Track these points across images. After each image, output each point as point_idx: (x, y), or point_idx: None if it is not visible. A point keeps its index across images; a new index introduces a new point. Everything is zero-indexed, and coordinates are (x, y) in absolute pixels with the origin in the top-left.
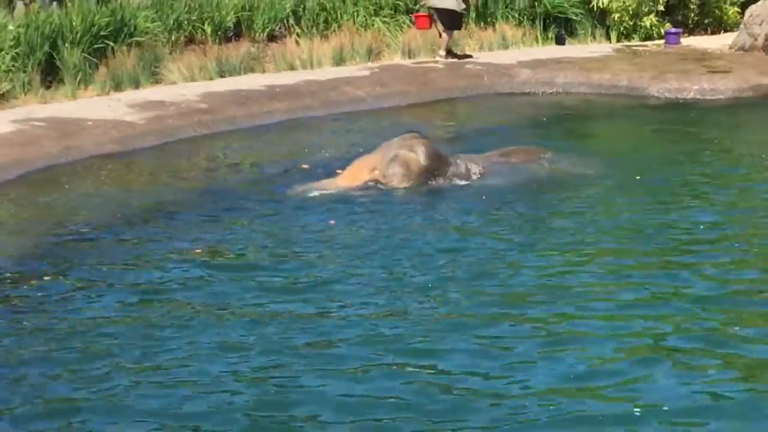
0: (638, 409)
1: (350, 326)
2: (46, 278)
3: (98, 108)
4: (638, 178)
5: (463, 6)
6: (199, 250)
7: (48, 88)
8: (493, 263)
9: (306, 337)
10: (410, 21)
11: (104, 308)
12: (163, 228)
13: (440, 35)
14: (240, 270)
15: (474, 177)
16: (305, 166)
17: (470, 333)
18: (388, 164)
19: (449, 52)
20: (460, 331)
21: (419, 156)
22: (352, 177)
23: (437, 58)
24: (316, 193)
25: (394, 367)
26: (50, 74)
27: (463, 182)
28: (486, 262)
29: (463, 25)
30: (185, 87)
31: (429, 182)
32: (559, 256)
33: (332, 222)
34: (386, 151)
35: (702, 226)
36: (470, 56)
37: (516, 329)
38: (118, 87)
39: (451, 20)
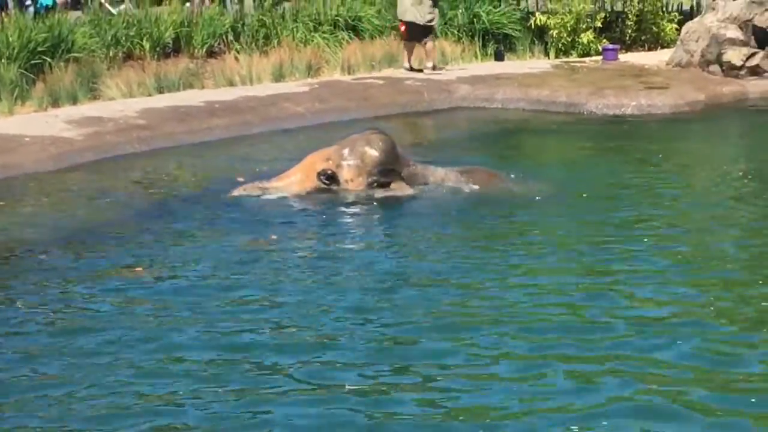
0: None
1: (282, 350)
2: None
3: (36, 124)
4: (579, 195)
5: (428, 18)
6: (139, 268)
7: None
8: (435, 285)
9: (239, 360)
10: (349, 37)
11: (37, 328)
12: (102, 245)
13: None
14: (181, 290)
15: (428, 185)
16: (241, 179)
17: (400, 355)
18: (342, 154)
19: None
20: (389, 354)
21: (375, 150)
22: (307, 167)
23: (425, 71)
24: (269, 196)
25: (330, 391)
26: None
27: (416, 189)
28: (428, 284)
29: (430, 36)
30: (124, 103)
31: (381, 179)
32: (497, 276)
33: (274, 237)
34: (344, 143)
35: (642, 243)
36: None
37: (451, 351)
38: (55, 103)
39: (417, 32)
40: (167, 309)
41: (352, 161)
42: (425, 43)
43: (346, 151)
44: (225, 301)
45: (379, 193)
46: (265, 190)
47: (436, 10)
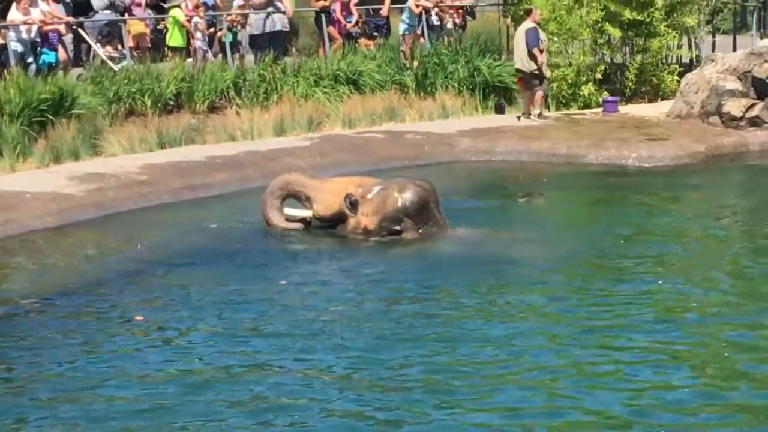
0: None
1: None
2: None
3: (37, 180)
4: (579, 246)
5: (534, 67)
6: (141, 317)
7: None
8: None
9: (244, 408)
10: (350, 92)
11: (43, 378)
12: (104, 297)
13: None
14: (179, 337)
15: (441, 244)
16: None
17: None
18: (371, 190)
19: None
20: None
21: (400, 199)
22: (344, 183)
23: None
24: (286, 225)
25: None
26: None
27: (428, 245)
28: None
29: (538, 82)
30: (125, 159)
31: (393, 226)
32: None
33: (283, 282)
34: (387, 181)
35: (643, 295)
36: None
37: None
38: (57, 159)
39: (527, 79)
40: (168, 360)
41: (377, 199)
42: (535, 91)
43: (377, 188)
44: (221, 349)
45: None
46: (304, 184)
47: (543, 56)
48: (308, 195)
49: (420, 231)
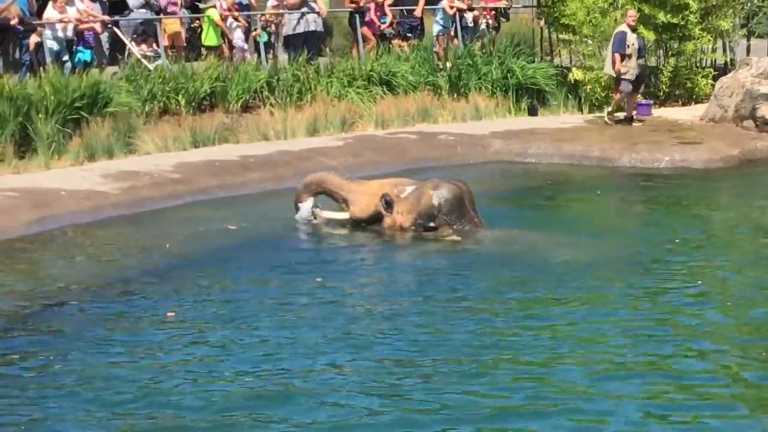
0: None
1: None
2: (18, 348)
3: (72, 178)
4: (613, 253)
5: (622, 70)
6: (172, 313)
7: (21, 158)
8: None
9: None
10: (383, 92)
11: (80, 371)
12: (136, 294)
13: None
14: (210, 333)
15: (477, 243)
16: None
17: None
18: (406, 189)
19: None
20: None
21: (434, 197)
22: (380, 185)
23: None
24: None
25: None
26: (24, 144)
27: (465, 243)
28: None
29: (632, 85)
30: (159, 157)
31: (428, 223)
32: (533, 337)
33: (319, 279)
34: (422, 181)
35: (675, 301)
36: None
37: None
38: (91, 157)
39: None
40: (197, 358)
41: (411, 197)
42: (625, 94)
43: (412, 187)
44: (256, 347)
45: (419, 236)
46: (341, 187)
47: (630, 61)
48: (345, 197)
49: (455, 228)
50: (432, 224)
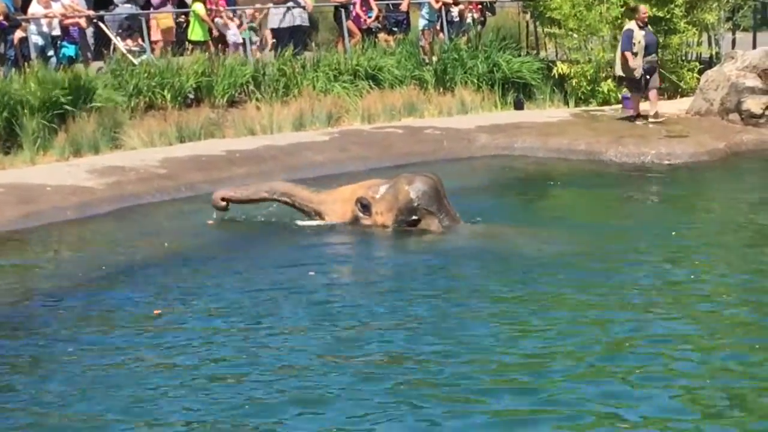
0: None
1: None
2: (2, 341)
3: (57, 173)
4: (598, 247)
5: (632, 69)
6: (158, 311)
7: (6, 154)
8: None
9: (268, 399)
10: (369, 87)
11: (63, 369)
12: (122, 290)
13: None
14: (194, 331)
15: (459, 236)
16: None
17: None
18: (380, 189)
19: (638, 116)
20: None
21: (411, 190)
22: (352, 191)
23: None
24: (304, 223)
25: None
26: (9, 140)
27: (442, 237)
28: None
29: (635, 84)
30: (145, 152)
31: (410, 218)
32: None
33: (311, 273)
34: (392, 179)
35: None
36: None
37: None
38: (77, 152)
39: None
40: (182, 354)
41: (388, 196)
42: (642, 94)
43: (386, 185)
44: (238, 345)
45: (402, 232)
46: (309, 199)
47: (636, 59)
48: (317, 209)
49: (437, 219)
50: (415, 217)
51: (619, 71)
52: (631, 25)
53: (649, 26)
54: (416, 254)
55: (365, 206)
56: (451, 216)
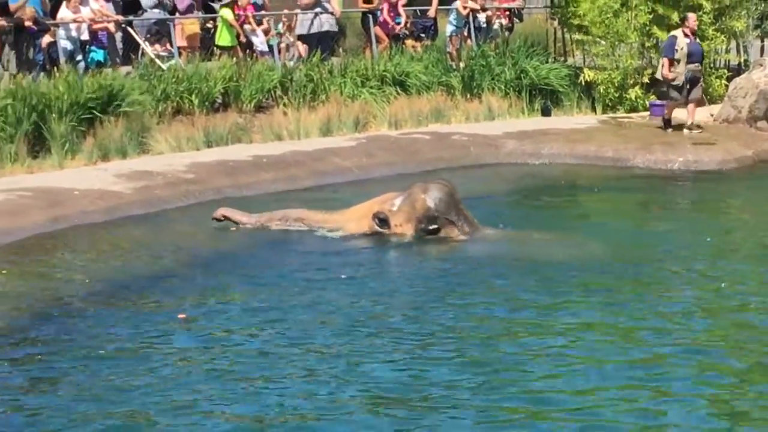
0: None
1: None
2: (35, 346)
3: (85, 178)
4: (626, 253)
5: (670, 76)
6: (183, 315)
7: (35, 158)
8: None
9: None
10: (396, 93)
11: (94, 372)
12: (148, 295)
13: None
14: (220, 336)
15: (481, 243)
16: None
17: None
18: (397, 200)
19: (666, 122)
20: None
21: (428, 198)
22: (367, 207)
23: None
24: (324, 233)
25: None
26: (37, 144)
27: (466, 244)
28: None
29: (672, 92)
30: (172, 157)
31: (430, 227)
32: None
33: (343, 276)
34: (406, 190)
35: (686, 306)
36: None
37: None
38: (105, 157)
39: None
40: (209, 357)
41: (405, 207)
42: (678, 103)
43: (402, 197)
44: (265, 347)
45: (426, 240)
46: (324, 222)
47: (678, 66)
48: (332, 230)
49: (458, 225)
50: (435, 226)
51: (660, 75)
52: (677, 32)
53: (696, 37)
54: (440, 261)
55: (383, 220)
56: (470, 222)
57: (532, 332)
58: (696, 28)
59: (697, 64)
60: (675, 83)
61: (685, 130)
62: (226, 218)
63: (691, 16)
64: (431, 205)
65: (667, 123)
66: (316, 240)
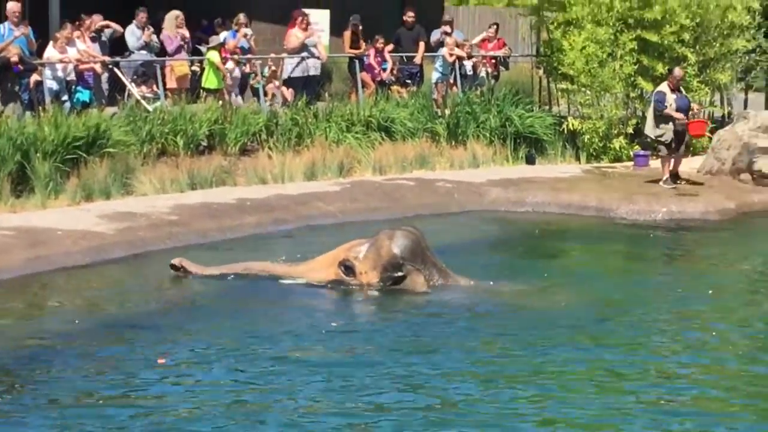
0: None
1: None
2: (7, 391)
3: (68, 218)
4: (605, 304)
5: (658, 132)
6: (162, 360)
7: (18, 197)
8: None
9: None
10: (381, 138)
11: (67, 418)
12: (127, 339)
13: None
14: (198, 382)
15: (449, 288)
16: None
17: None
18: (363, 247)
19: (674, 176)
20: None
21: (393, 245)
22: (333, 256)
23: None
24: (290, 281)
25: None
26: (21, 183)
27: (432, 289)
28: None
29: (660, 147)
30: (156, 199)
31: (395, 274)
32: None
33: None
34: (372, 237)
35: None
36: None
37: None
38: (88, 197)
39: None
40: (188, 402)
41: (370, 254)
42: (667, 157)
43: (367, 245)
44: (237, 394)
45: (391, 288)
46: (288, 274)
47: (667, 125)
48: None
49: (423, 274)
50: (401, 273)
51: (649, 132)
52: (663, 87)
53: (683, 90)
54: (401, 313)
55: (348, 268)
56: (440, 270)
57: (493, 384)
58: (679, 83)
59: (685, 119)
60: (663, 139)
61: (662, 183)
62: (184, 269)
63: (677, 71)
64: (397, 252)
65: (674, 177)
66: (298, 285)
